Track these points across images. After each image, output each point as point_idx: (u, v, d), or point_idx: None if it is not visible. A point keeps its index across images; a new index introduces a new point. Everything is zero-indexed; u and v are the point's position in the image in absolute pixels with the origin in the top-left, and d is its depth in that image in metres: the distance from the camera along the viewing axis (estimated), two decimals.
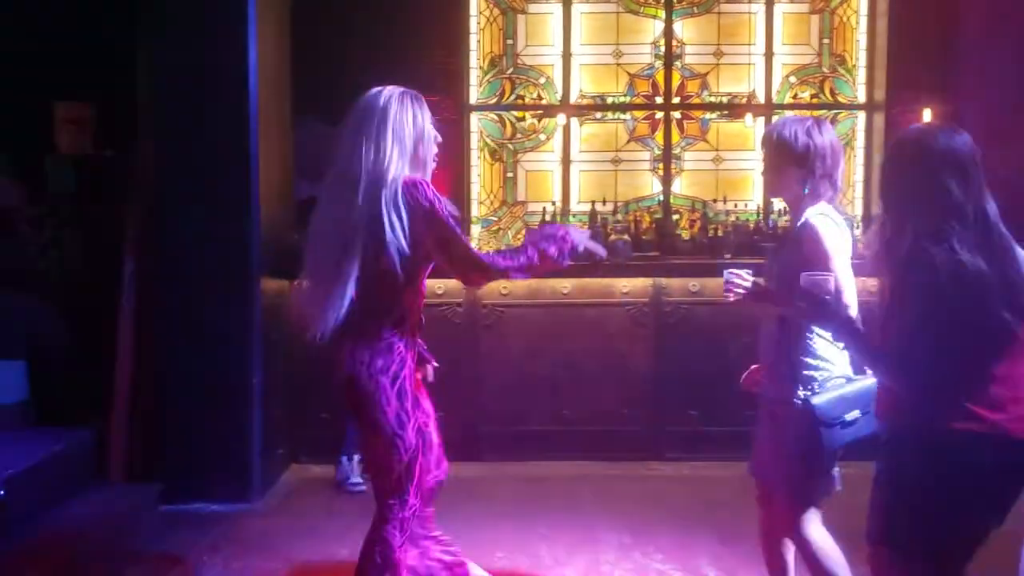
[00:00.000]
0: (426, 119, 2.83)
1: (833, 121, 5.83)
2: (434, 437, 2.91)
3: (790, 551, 3.08)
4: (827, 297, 2.48)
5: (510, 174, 6.01)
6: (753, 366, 3.17)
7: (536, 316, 5.43)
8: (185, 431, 4.65)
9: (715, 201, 5.95)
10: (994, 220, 2.35)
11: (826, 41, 5.97)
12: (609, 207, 5.82)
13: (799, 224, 2.93)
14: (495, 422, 5.41)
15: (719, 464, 5.26)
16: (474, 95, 5.94)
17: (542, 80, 5.99)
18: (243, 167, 4.67)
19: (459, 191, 5.80)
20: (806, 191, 2.90)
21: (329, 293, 2.67)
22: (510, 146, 6.01)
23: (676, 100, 5.97)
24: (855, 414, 2.76)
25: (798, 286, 2.53)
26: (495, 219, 6.00)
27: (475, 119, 5.96)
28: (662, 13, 5.93)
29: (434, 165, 2.90)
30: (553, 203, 5.89)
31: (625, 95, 6.00)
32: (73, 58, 4.78)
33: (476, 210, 5.97)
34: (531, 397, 5.40)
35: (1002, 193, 2.51)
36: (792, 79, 6.00)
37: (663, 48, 5.93)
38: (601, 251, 3.08)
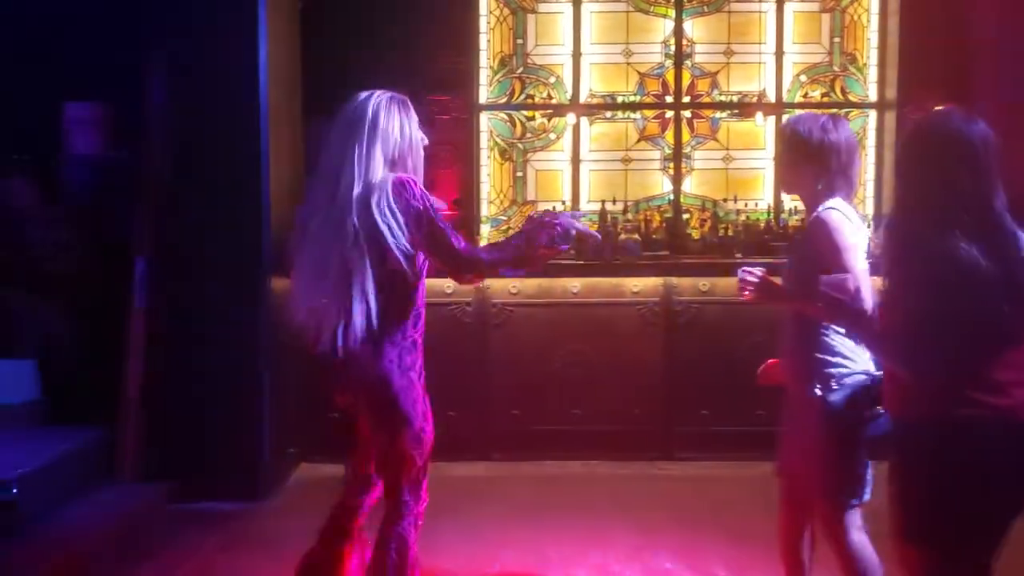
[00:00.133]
0: (413, 125, 2.85)
1: None
2: None
3: (807, 552, 3.06)
4: (844, 297, 2.48)
5: (520, 173, 6.01)
6: (769, 360, 3.16)
7: (546, 315, 5.42)
8: (196, 430, 4.66)
9: (725, 200, 5.93)
10: (1000, 211, 2.34)
11: (837, 40, 5.94)
12: (619, 206, 5.81)
13: (813, 222, 2.91)
14: (505, 422, 5.40)
15: (730, 464, 5.25)
16: (484, 94, 5.93)
17: (552, 79, 5.98)
18: (253, 167, 4.68)
19: (469, 190, 5.80)
20: (820, 187, 2.89)
21: (349, 307, 2.68)
22: (520, 145, 6.00)
23: (686, 99, 5.95)
24: (878, 410, 2.74)
25: (817, 288, 2.52)
26: (504, 218, 6.00)
27: (485, 118, 5.95)
28: (672, 12, 5.91)
29: (423, 169, 2.90)
30: (563, 202, 5.88)
31: (635, 94, 5.99)
32: (85, 58, 4.79)
33: (486, 209, 5.97)
34: (541, 397, 5.40)
35: (1017, 192, 2.50)
36: (803, 78, 5.97)
37: (673, 47, 5.92)
38: (594, 235, 3.08)
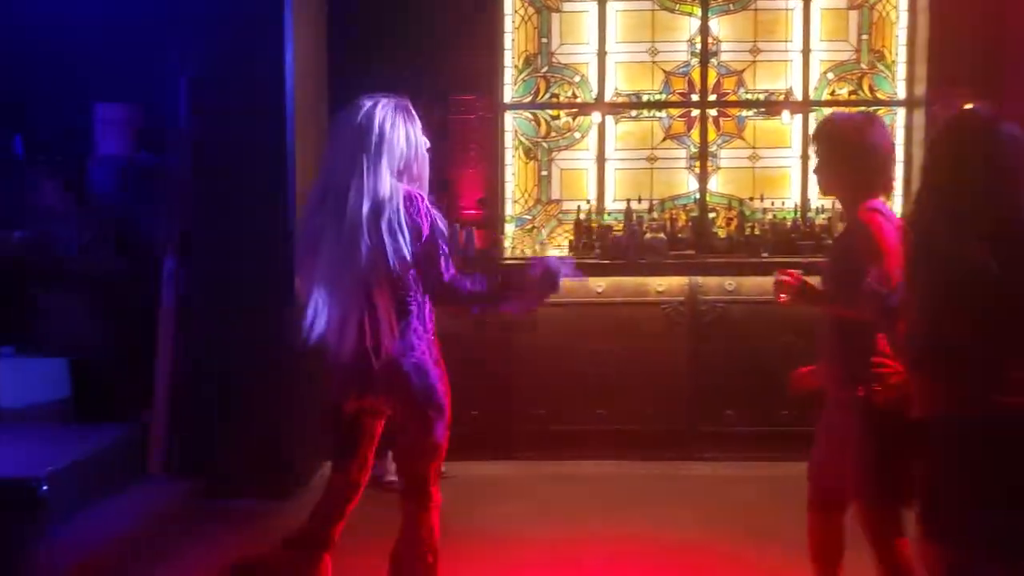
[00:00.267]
0: (417, 132, 2.86)
1: None
2: None
3: (841, 557, 3.02)
4: (887, 301, 2.46)
5: (544, 172, 6.00)
6: (801, 368, 3.11)
7: (570, 315, 5.41)
8: (224, 428, 4.70)
9: (752, 199, 5.89)
10: None
11: (865, 37, 5.89)
12: (645, 205, 5.79)
13: (853, 227, 2.87)
14: (528, 421, 5.41)
15: (755, 464, 5.23)
16: (508, 94, 5.93)
17: (577, 78, 5.97)
18: (280, 167, 4.72)
19: (493, 190, 5.80)
20: (858, 188, 2.84)
21: (371, 316, 2.72)
22: (544, 144, 6.00)
23: (712, 97, 5.92)
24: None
25: (857, 291, 2.50)
26: (529, 217, 6.00)
27: (510, 118, 5.95)
28: (698, 10, 5.88)
29: (427, 175, 2.91)
30: (588, 201, 5.88)
31: (661, 93, 5.97)
32: (114, 60, 4.84)
33: (511, 209, 5.97)
34: (564, 396, 5.39)
35: None
36: (830, 75, 5.93)
37: (699, 45, 5.89)
38: (580, 276, 3.07)
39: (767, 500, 4.65)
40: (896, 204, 5.85)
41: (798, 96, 5.89)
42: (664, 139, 5.97)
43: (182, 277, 4.74)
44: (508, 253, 5.85)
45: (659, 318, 5.41)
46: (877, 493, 2.82)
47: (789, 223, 5.69)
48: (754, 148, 5.95)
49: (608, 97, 5.93)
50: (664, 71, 5.95)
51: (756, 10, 5.88)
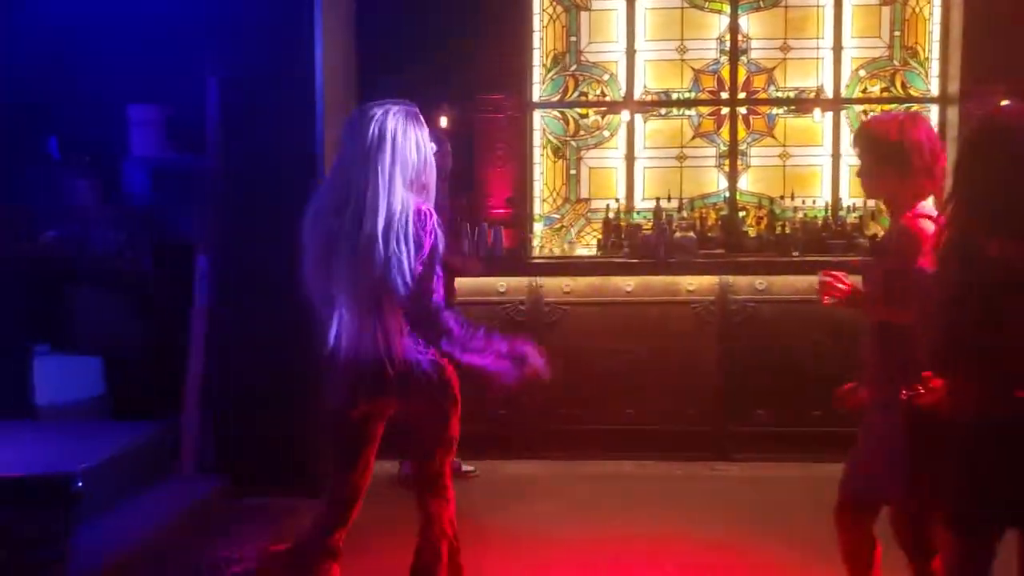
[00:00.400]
0: (426, 139, 2.85)
1: None
2: None
3: (874, 557, 2.99)
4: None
5: (573, 171, 5.99)
6: (845, 384, 3.07)
7: (600, 314, 5.40)
8: (254, 426, 4.73)
9: (782, 198, 5.85)
10: None
11: (897, 33, 5.83)
12: (674, 204, 5.77)
13: (902, 231, 2.80)
14: (558, 421, 5.40)
15: (786, 465, 5.19)
16: (537, 92, 5.93)
17: (606, 77, 5.96)
18: (310, 167, 4.74)
19: (522, 189, 5.81)
20: (904, 189, 2.79)
21: (384, 324, 2.75)
22: (573, 143, 5.99)
23: (742, 95, 5.89)
24: None
25: (907, 296, 2.46)
26: (558, 217, 5.99)
27: (538, 116, 5.95)
28: (727, 8, 5.85)
29: (435, 184, 2.91)
30: (617, 200, 5.86)
31: (690, 91, 5.94)
32: (146, 61, 4.89)
33: (539, 208, 5.97)
34: (595, 396, 5.38)
35: None
36: (862, 72, 5.87)
37: (728, 43, 5.86)
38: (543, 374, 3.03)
39: (799, 501, 4.61)
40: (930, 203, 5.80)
41: (829, 93, 5.84)
42: (693, 137, 5.94)
43: (214, 277, 4.78)
44: (536, 252, 5.85)
45: (689, 317, 5.38)
46: (913, 497, 2.78)
47: (820, 222, 5.65)
48: (784, 146, 5.91)
49: (637, 95, 5.91)
50: (693, 69, 5.92)
51: (786, 7, 5.84)
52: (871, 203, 5.71)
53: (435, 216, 2.81)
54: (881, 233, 5.57)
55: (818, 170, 5.90)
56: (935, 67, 5.80)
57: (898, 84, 5.85)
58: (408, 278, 2.71)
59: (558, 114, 5.98)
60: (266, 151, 4.74)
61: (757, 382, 5.29)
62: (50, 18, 5.02)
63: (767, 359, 5.28)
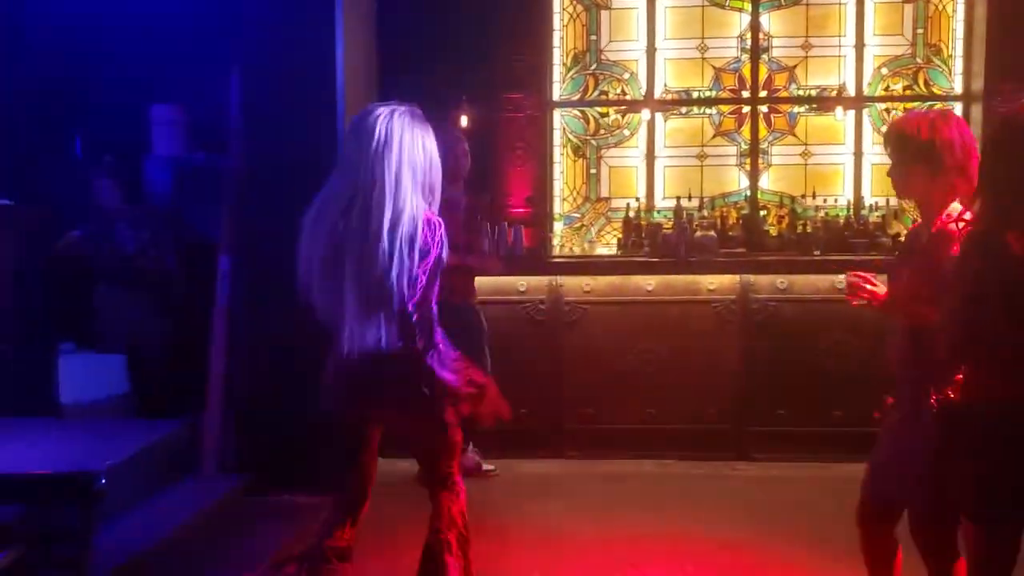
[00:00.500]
0: (432, 142, 2.84)
1: None
2: None
3: (896, 562, 2.96)
4: None
5: (593, 170, 5.99)
6: (887, 399, 3.02)
7: (620, 313, 5.39)
8: (276, 424, 4.75)
9: (804, 196, 5.82)
10: None
11: (920, 31, 5.78)
12: (695, 203, 5.75)
13: (935, 232, 2.74)
14: (578, 419, 5.40)
15: (807, 465, 5.16)
16: (557, 91, 5.93)
17: (626, 75, 5.94)
18: (332, 167, 4.74)
19: (542, 188, 5.80)
20: (937, 189, 2.74)
21: (390, 326, 2.74)
22: (593, 142, 5.98)
23: (763, 94, 5.86)
24: None
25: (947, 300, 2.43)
26: (578, 215, 5.99)
27: (558, 115, 5.95)
28: (748, 6, 5.82)
29: (440, 187, 2.89)
30: (637, 199, 5.85)
31: (711, 89, 5.92)
32: (168, 61, 4.93)
33: (559, 207, 5.96)
34: (614, 395, 5.37)
35: None
36: (884, 70, 5.83)
37: (750, 41, 5.83)
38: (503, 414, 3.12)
39: (819, 501, 4.58)
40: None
41: (851, 92, 5.80)
42: (714, 136, 5.92)
43: (235, 276, 4.81)
44: (556, 251, 5.85)
45: (710, 316, 5.36)
46: (940, 500, 2.74)
47: (842, 220, 5.61)
48: (806, 144, 5.88)
49: (657, 94, 5.90)
50: (714, 67, 5.90)
51: (808, 5, 5.81)
52: (894, 202, 5.67)
53: (443, 227, 2.80)
54: (904, 232, 5.54)
55: (840, 169, 5.86)
56: (959, 64, 5.75)
57: (921, 82, 5.80)
58: (406, 281, 2.70)
59: (578, 113, 5.97)
60: (287, 151, 4.76)
61: (778, 382, 5.27)
62: (74, 18, 5.07)
63: (788, 359, 5.25)
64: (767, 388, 5.29)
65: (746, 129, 5.88)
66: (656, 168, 5.91)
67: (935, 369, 2.69)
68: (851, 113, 5.79)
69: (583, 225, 5.98)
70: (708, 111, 5.92)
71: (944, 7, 5.75)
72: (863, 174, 5.81)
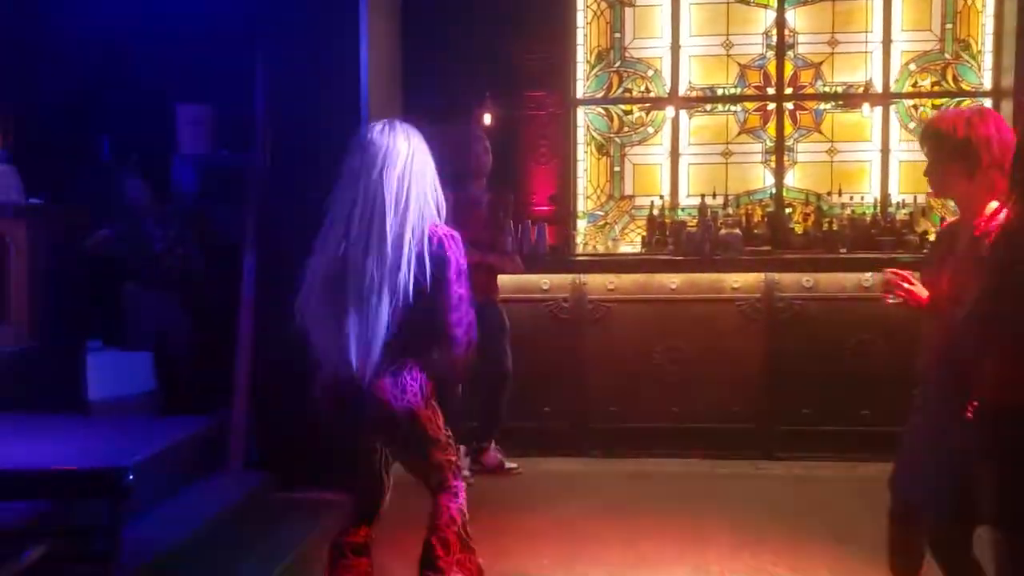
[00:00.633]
0: (429, 157, 2.83)
1: None
2: None
3: (921, 567, 2.93)
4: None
5: (617, 168, 5.97)
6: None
7: (644, 311, 5.38)
8: (301, 421, 4.76)
9: (829, 194, 5.77)
10: None
11: (949, 26, 5.72)
12: (719, 200, 5.72)
13: (979, 236, 2.68)
14: (601, 418, 5.39)
15: (833, 464, 5.13)
16: (580, 89, 5.92)
17: (650, 73, 5.92)
18: None
19: (565, 186, 5.80)
20: (975, 187, 2.69)
21: (400, 348, 2.74)
22: (617, 140, 5.97)
23: (789, 91, 5.82)
24: None
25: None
26: (601, 214, 5.97)
27: (582, 113, 5.94)
28: (774, 2, 5.79)
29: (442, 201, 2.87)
30: (661, 197, 5.83)
31: (736, 86, 5.89)
32: (194, 61, 4.97)
33: (583, 205, 5.96)
34: (638, 393, 5.36)
35: None
36: (912, 66, 5.77)
37: (775, 38, 5.79)
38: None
39: (845, 501, 4.55)
40: None
41: (878, 88, 5.75)
42: (739, 133, 5.89)
43: (261, 275, 4.84)
44: (580, 249, 5.84)
45: (734, 315, 5.33)
46: (963, 507, 2.70)
47: (868, 218, 5.56)
48: (832, 142, 5.83)
49: (682, 91, 5.87)
50: (739, 64, 5.86)
51: (834, 1, 5.76)
52: (921, 199, 5.62)
53: (460, 240, 2.80)
54: (931, 230, 5.48)
55: (866, 166, 5.81)
56: (988, 60, 5.68)
57: (949, 78, 5.74)
58: (410, 291, 2.68)
59: (602, 111, 5.96)
60: (312, 149, 4.78)
61: (803, 380, 5.23)
62: (101, 19, 5.12)
63: (813, 357, 5.21)
64: (792, 387, 5.26)
65: (771, 126, 5.84)
66: (680, 166, 5.89)
67: (971, 372, 2.64)
68: (878, 110, 5.74)
69: (607, 223, 5.96)
70: (733, 108, 5.89)
71: (973, 2, 5.68)
72: (890, 171, 5.75)
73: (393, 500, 3.05)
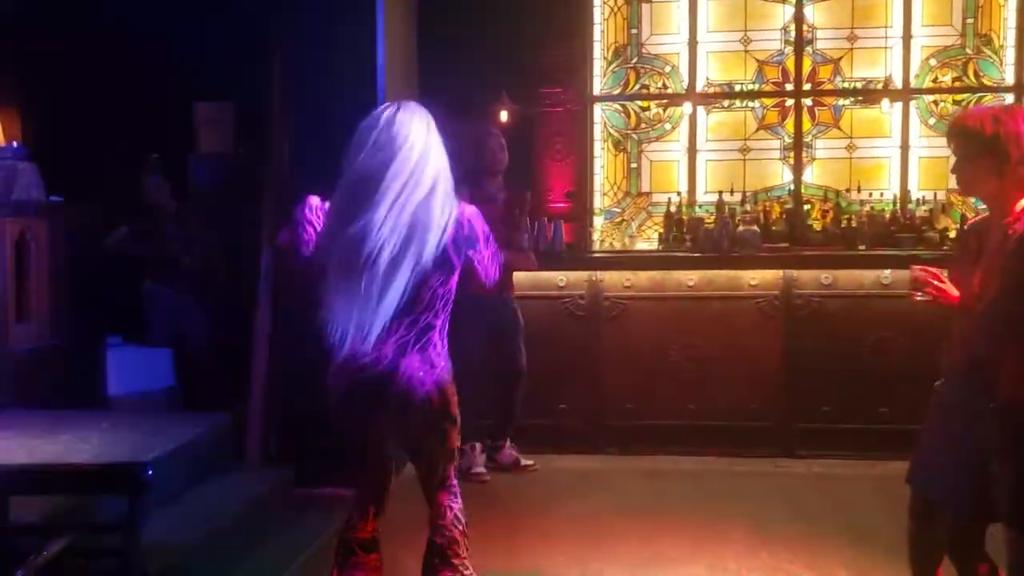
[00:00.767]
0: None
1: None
2: None
3: (940, 564, 2.91)
4: None
5: (634, 165, 5.96)
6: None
7: (661, 308, 5.36)
8: (317, 418, 4.77)
9: (848, 190, 5.74)
10: None
11: (970, 20, 5.67)
12: (737, 197, 5.70)
13: (1012, 233, 2.62)
14: (618, 415, 5.38)
15: (852, 462, 5.10)
16: (598, 85, 5.91)
17: (667, 69, 5.90)
18: None
19: (582, 182, 5.79)
20: (1004, 184, 2.64)
21: (417, 330, 2.75)
22: (634, 136, 5.95)
23: (807, 87, 5.79)
24: None
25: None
26: (618, 210, 5.96)
27: (599, 110, 5.93)
28: None
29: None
30: (679, 194, 5.81)
31: (754, 82, 5.86)
32: (213, 59, 4.99)
33: (599, 201, 5.95)
34: (655, 390, 5.34)
35: None
36: (932, 62, 5.72)
37: (793, 33, 5.76)
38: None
39: (863, 498, 4.53)
40: None
41: (898, 84, 5.71)
42: (757, 130, 5.86)
43: (278, 270, 4.86)
44: (596, 246, 5.83)
45: (752, 312, 5.31)
46: (980, 505, 2.68)
47: (888, 215, 5.53)
48: (851, 138, 5.80)
49: (699, 87, 5.85)
50: (757, 60, 5.83)
51: None
52: (941, 196, 5.58)
53: (478, 213, 2.80)
54: (951, 227, 5.44)
55: (885, 162, 5.77)
56: (1010, 55, 5.63)
57: (971, 73, 5.69)
58: (440, 270, 2.70)
59: (619, 107, 5.95)
60: (328, 146, 4.77)
61: (822, 378, 5.20)
62: (119, 18, 5.15)
63: (832, 355, 5.18)
64: (811, 384, 5.23)
65: (790, 122, 5.81)
66: (698, 162, 5.87)
67: (995, 370, 2.61)
68: (898, 105, 5.70)
69: (623, 220, 5.95)
70: (751, 104, 5.86)
71: None
72: (910, 167, 5.71)
73: (396, 494, 3.04)
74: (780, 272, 5.29)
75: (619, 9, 5.90)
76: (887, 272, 5.11)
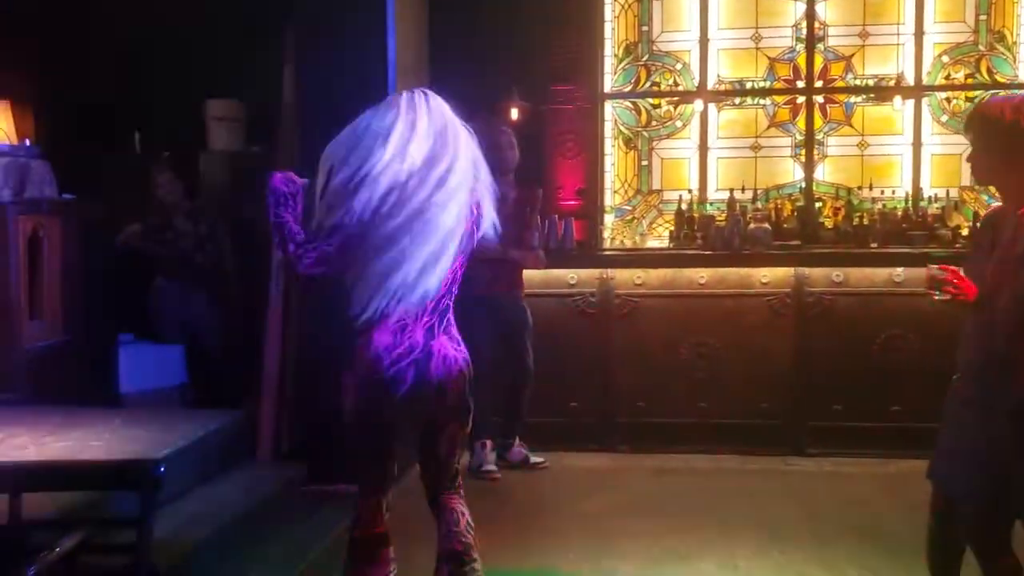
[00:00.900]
0: None
1: None
2: None
3: (959, 564, 2.89)
4: None
5: (645, 162, 5.95)
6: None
7: (672, 306, 5.35)
8: (329, 414, 4.79)
9: (860, 188, 5.71)
10: None
11: (983, 17, 5.63)
12: (748, 195, 5.68)
13: (1013, 219, 2.61)
14: (629, 413, 5.37)
15: (863, 460, 5.08)
16: (608, 83, 5.90)
17: (678, 66, 5.89)
18: None
19: (593, 180, 5.78)
20: (1021, 174, 2.63)
21: (442, 312, 2.79)
22: (645, 134, 5.94)
23: (819, 84, 5.76)
24: None
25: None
26: (629, 208, 5.95)
27: (609, 107, 5.92)
28: None
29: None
30: (690, 191, 5.80)
31: (765, 80, 5.84)
32: (225, 56, 5.01)
33: (610, 199, 5.94)
34: (666, 388, 5.34)
35: None
36: (945, 58, 5.69)
37: (805, 30, 5.74)
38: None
39: (875, 497, 4.51)
40: None
41: (910, 81, 5.68)
42: (768, 127, 5.85)
43: (290, 268, 4.87)
44: (607, 244, 5.82)
45: (763, 310, 5.29)
46: (1003, 501, 2.66)
47: (900, 213, 5.50)
48: (863, 135, 5.77)
49: (711, 85, 5.84)
50: (768, 57, 5.82)
51: None
52: (954, 193, 5.55)
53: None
54: (963, 225, 5.41)
55: (897, 160, 5.75)
56: (1023, 52, 5.59)
57: (983, 70, 5.66)
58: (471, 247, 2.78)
59: (630, 104, 5.94)
60: None
61: (833, 376, 5.18)
62: (132, 16, 5.18)
63: (844, 353, 5.16)
64: (822, 382, 5.22)
65: (801, 120, 5.79)
66: (709, 160, 5.86)
67: (1011, 369, 2.59)
68: (910, 103, 5.67)
69: (634, 218, 5.94)
70: (762, 102, 5.85)
71: None
72: (922, 165, 5.69)
73: (401, 490, 3.04)
74: (791, 270, 5.28)
75: (630, 6, 5.88)
76: (899, 270, 5.09)
